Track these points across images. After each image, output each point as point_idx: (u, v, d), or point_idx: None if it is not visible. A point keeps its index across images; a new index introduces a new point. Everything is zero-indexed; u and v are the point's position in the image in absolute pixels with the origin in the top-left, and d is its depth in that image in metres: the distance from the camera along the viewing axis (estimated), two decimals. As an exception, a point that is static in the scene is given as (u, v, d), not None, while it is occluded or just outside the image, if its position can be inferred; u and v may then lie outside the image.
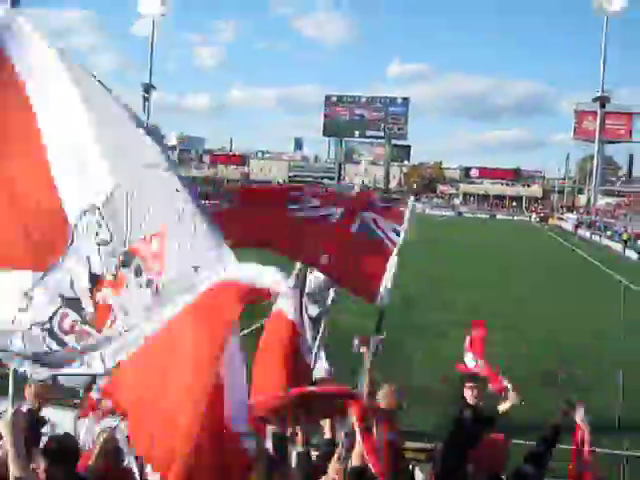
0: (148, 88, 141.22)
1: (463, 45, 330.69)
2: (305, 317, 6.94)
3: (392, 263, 5.18)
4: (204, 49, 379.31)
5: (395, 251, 5.29)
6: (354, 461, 5.00)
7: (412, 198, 6.38)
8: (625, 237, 61.86)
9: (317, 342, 7.23)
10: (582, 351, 20.07)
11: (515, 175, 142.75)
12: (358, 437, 4.97)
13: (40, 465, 4.76)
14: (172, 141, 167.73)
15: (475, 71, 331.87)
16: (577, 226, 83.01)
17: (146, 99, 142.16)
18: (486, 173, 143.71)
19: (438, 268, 37.83)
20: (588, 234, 77.69)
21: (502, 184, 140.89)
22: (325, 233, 5.47)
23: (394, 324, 21.66)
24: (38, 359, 4.39)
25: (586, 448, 6.38)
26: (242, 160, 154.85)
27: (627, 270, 41.81)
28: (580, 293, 32.40)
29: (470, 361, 8.43)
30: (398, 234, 5.44)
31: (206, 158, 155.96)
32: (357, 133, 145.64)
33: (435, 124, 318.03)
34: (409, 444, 8.42)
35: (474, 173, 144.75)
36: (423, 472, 8.36)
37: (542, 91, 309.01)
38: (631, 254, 55.21)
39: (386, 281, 5.13)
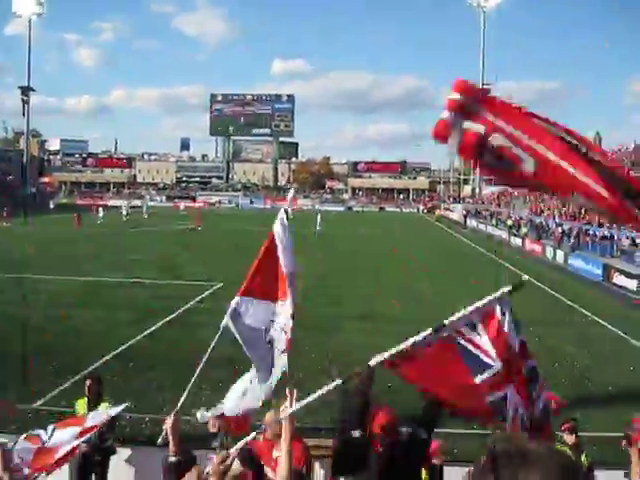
0: (27, 91, 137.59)
1: (341, 42, 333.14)
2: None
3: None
4: (83, 50, 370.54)
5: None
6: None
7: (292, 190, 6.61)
8: (509, 223, 63.53)
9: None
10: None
11: (402, 168, 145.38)
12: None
13: None
14: (55, 145, 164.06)
15: (355, 67, 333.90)
16: (465, 215, 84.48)
17: (25, 102, 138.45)
18: (373, 167, 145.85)
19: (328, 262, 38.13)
20: (475, 223, 79.52)
21: (390, 177, 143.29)
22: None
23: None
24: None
25: None
26: (128, 163, 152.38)
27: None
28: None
29: None
30: None
31: (90, 162, 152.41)
32: (244, 131, 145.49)
33: (321, 120, 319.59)
34: (310, 441, 8.44)
35: (362, 167, 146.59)
36: (323, 467, 8.41)
37: (421, 85, 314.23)
38: (516, 240, 56.66)
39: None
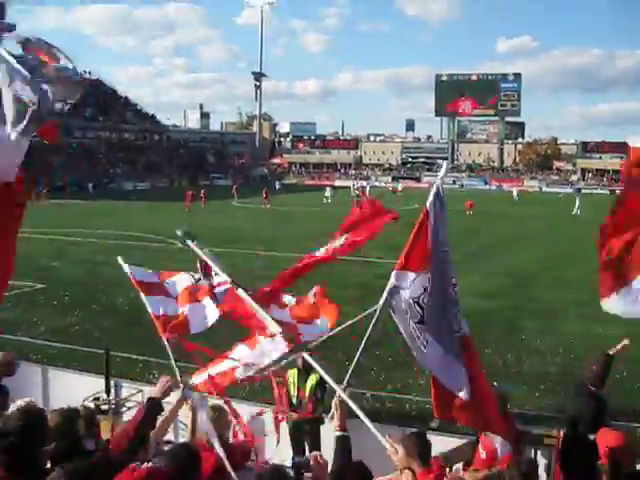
0: (259, 77, 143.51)
1: (569, 17, 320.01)
2: None
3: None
4: (310, 35, 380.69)
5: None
6: None
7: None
8: None
9: None
10: None
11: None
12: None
13: None
14: (285, 128, 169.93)
15: (583, 43, 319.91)
16: None
17: (257, 87, 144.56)
18: (603, 147, 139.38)
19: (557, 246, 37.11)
20: None
21: (621, 158, 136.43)
22: None
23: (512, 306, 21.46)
24: None
25: None
26: (354, 144, 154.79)
27: None
28: None
29: None
30: None
31: (318, 143, 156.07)
32: (470, 111, 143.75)
33: (544, 100, 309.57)
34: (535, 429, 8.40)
35: (591, 148, 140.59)
36: (545, 457, 8.29)
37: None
38: None
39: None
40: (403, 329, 6.29)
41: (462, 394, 6.04)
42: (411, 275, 6.26)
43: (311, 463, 4.76)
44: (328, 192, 75.17)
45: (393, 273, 6.38)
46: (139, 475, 4.60)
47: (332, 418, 5.11)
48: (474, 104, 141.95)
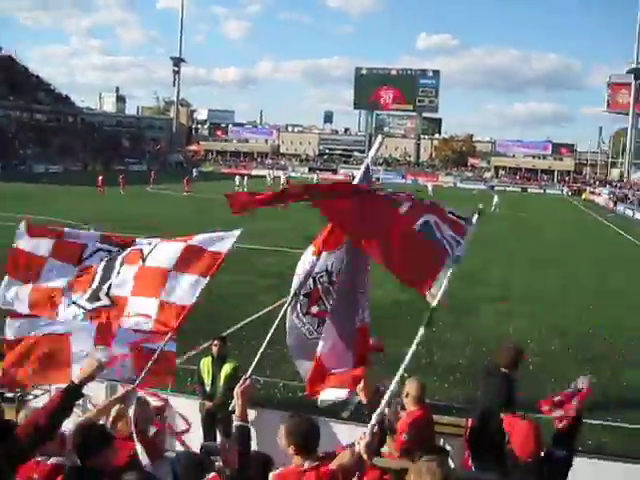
0: (178, 62, 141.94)
1: (488, 17, 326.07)
2: None
3: (447, 268, 5.04)
4: (231, 22, 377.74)
5: (452, 259, 5.10)
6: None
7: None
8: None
9: None
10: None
11: (547, 149, 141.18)
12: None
13: None
14: (202, 115, 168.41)
15: (502, 43, 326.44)
16: (615, 202, 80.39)
17: (176, 72, 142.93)
18: (517, 147, 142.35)
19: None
20: (622, 208, 75.69)
21: (533, 157, 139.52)
22: (388, 221, 5.28)
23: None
24: None
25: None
26: (272, 134, 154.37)
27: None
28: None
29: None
30: (458, 243, 5.24)
31: (236, 132, 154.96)
32: (387, 106, 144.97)
33: (463, 98, 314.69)
34: (444, 418, 8.55)
35: (505, 146, 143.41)
36: (453, 446, 8.47)
37: (569, 64, 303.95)
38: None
39: (441, 281, 5.04)
40: (290, 307, 6.41)
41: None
42: (323, 255, 6.29)
43: (218, 448, 4.78)
44: (237, 181, 77.18)
45: (310, 259, 6.37)
46: (44, 469, 4.53)
47: (234, 407, 5.09)
48: (393, 99, 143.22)
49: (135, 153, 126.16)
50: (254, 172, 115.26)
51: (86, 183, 66.88)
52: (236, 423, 5.00)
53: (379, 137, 6.43)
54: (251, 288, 21.98)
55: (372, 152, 6.55)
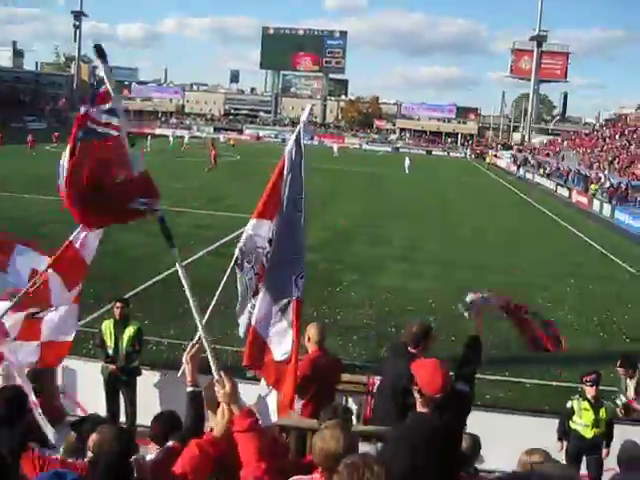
0: (79, 16, 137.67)
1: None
2: None
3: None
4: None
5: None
6: None
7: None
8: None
9: None
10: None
11: (451, 112, 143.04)
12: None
13: None
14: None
15: (411, 7, 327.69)
16: (519, 165, 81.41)
17: (77, 27, 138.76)
18: (422, 109, 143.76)
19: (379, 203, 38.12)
20: (523, 172, 77.51)
21: (438, 120, 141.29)
22: None
23: (330, 259, 21.90)
24: None
25: None
26: (177, 92, 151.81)
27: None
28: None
29: None
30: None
31: (139, 89, 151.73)
32: (294, 66, 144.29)
33: (369, 59, 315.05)
34: (347, 376, 8.63)
35: (410, 109, 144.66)
36: (356, 403, 8.62)
37: (474, 29, 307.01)
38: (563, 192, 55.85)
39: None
40: (239, 277, 6.35)
41: (281, 356, 6.23)
42: (266, 223, 6.27)
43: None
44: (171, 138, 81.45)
45: (250, 221, 6.36)
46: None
47: (183, 373, 5.01)
48: (299, 59, 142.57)
49: (34, 110, 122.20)
50: (158, 131, 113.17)
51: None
52: (189, 389, 4.90)
53: (308, 105, 6.54)
54: (155, 248, 21.60)
55: (303, 117, 6.58)
